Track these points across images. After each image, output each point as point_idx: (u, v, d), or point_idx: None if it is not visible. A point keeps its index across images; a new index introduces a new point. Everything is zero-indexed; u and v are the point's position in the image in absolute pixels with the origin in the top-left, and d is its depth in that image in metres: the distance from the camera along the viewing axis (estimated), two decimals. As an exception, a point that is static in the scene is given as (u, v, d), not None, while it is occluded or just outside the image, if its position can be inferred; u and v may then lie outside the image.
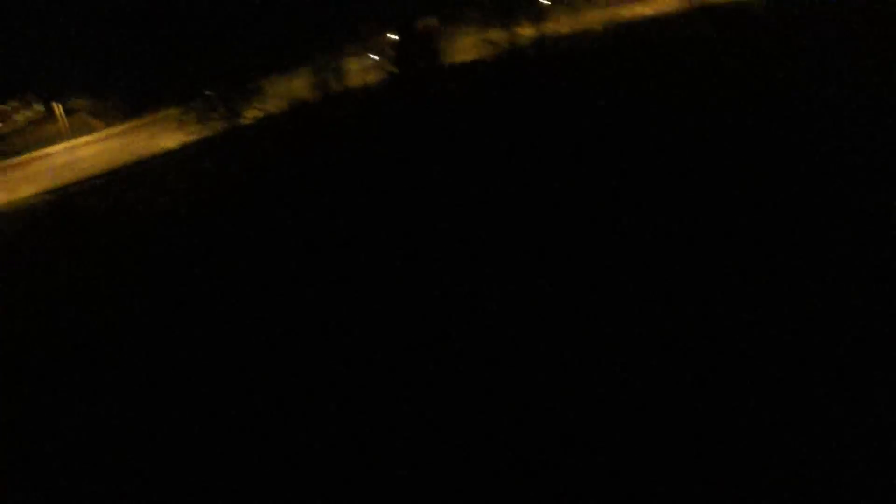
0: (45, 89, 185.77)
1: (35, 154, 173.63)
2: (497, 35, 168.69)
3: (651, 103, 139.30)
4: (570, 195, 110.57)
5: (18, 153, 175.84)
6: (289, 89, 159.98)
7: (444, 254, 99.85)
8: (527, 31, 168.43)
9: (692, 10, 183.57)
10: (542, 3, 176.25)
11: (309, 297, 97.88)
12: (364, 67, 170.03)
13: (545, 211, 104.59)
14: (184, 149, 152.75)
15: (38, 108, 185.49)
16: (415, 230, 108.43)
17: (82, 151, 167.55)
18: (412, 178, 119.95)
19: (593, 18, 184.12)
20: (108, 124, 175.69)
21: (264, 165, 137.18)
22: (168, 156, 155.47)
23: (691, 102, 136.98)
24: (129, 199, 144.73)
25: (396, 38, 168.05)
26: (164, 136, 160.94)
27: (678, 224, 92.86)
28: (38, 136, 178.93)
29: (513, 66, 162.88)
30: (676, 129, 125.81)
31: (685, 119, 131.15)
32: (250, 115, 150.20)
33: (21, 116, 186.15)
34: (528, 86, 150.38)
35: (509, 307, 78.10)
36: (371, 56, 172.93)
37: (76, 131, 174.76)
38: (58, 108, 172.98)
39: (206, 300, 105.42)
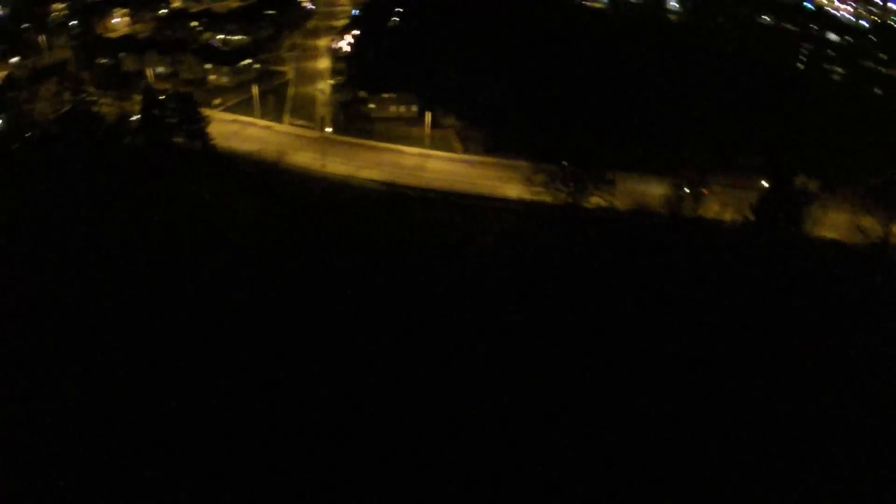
0: (429, 97, 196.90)
1: (390, 146, 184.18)
2: (871, 225, 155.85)
3: None
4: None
5: (376, 138, 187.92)
6: (640, 192, 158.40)
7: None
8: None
9: None
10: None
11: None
12: (722, 200, 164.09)
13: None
14: (520, 203, 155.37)
15: (413, 109, 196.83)
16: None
17: (431, 163, 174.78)
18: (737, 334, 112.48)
19: None
20: (466, 150, 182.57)
21: (589, 257, 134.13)
22: (503, 202, 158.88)
23: None
24: (454, 222, 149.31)
25: (766, 185, 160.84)
26: (508, 183, 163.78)
27: None
28: (400, 132, 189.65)
29: (874, 264, 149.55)
30: None
31: None
32: (594, 200, 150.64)
33: (394, 110, 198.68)
34: (882, 289, 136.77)
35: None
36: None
37: (434, 143, 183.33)
38: (428, 117, 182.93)
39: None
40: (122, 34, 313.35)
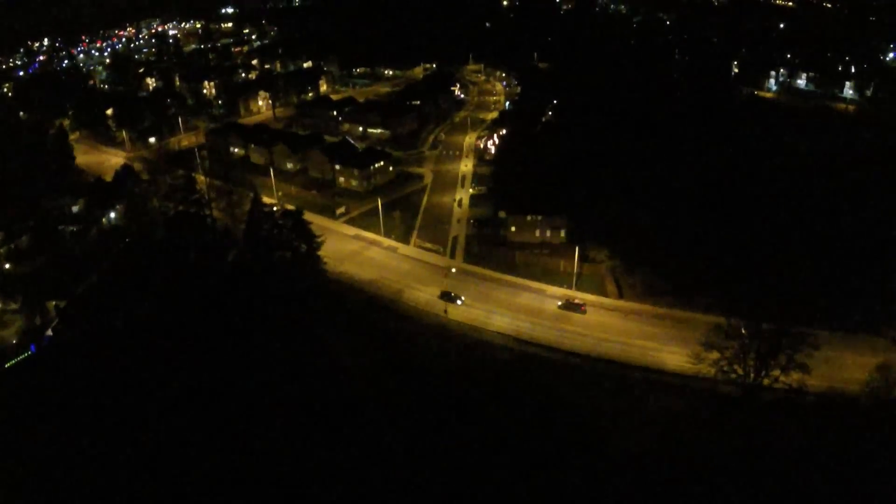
0: (579, 222, 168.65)
1: (529, 283, 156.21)
2: None
3: None
4: None
5: (515, 272, 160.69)
6: (838, 361, 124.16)
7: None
8: None
9: None
10: None
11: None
12: None
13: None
14: (680, 378, 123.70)
15: (561, 234, 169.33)
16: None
17: (580, 315, 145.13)
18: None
19: None
20: (620, 293, 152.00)
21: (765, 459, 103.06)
22: (659, 375, 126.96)
23: None
24: (596, 403, 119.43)
25: None
26: (668, 344, 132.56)
27: None
28: (544, 264, 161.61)
29: None
30: None
31: None
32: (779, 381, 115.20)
33: (538, 235, 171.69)
34: None
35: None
36: None
37: (583, 282, 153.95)
38: (577, 251, 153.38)
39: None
40: (263, 118, 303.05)
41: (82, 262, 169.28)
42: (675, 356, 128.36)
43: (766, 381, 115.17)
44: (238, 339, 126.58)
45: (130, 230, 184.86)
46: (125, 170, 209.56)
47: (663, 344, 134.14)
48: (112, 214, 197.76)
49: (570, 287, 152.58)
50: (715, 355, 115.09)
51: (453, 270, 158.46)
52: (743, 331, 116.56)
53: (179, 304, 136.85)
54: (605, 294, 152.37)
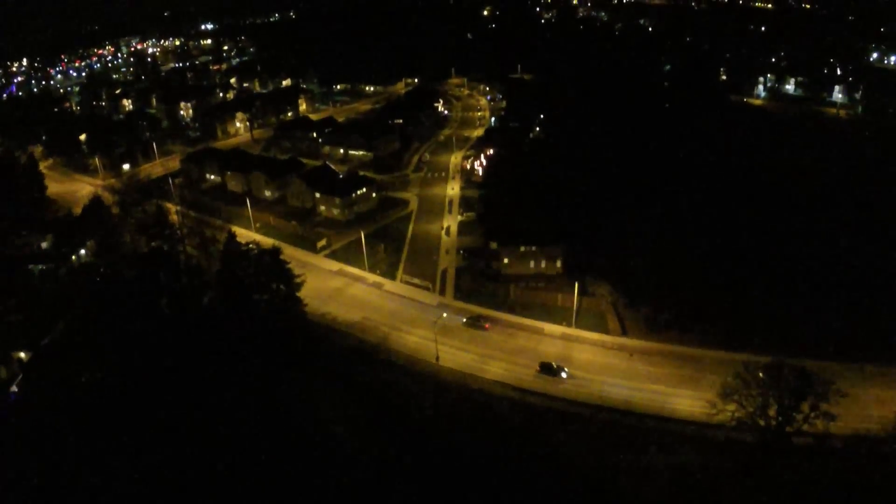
0: (576, 251, 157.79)
1: (525, 321, 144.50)
2: None
3: None
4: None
5: (510, 309, 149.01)
6: (864, 397, 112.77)
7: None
8: None
9: None
10: None
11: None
12: None
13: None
14: (694, 427, 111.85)
15: (557, 265, 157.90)
16: None
17: (579, 352, 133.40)
18: None
19: None
20: (623, 329, 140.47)
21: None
22: (672, 424, 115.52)
23: None
24: (607, 461, 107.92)
25: None
26: (679, 387, 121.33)
27: None
28: (540, 299, 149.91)
29: None
30: None
31: None
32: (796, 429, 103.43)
33: (532, 266, 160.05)
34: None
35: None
36: None
37: (583, 318, 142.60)
38: (576, 287, 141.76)
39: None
40: (240, 140, 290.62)
41: (50, 306, 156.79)
42: (686, 400, 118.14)
43: (788, 429, 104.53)
44: (212, 396, 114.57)
45: (101, 269, 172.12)
46: (95, 202, 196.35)
47: (673, 387, 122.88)
48: (82, 251, 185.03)
49: (569, 324, 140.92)
50: (732, 406, 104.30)
51: (445, 315, 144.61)
52: (761, 375, 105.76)
53: (151, 358, 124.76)
54: (606, 331, 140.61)
